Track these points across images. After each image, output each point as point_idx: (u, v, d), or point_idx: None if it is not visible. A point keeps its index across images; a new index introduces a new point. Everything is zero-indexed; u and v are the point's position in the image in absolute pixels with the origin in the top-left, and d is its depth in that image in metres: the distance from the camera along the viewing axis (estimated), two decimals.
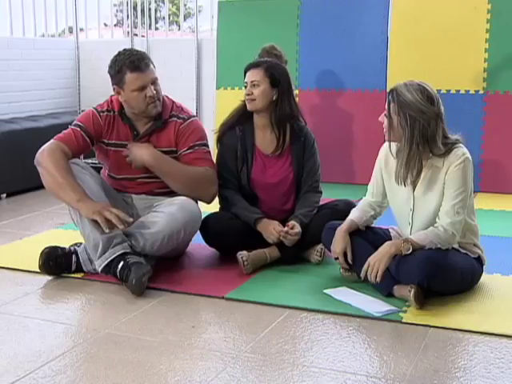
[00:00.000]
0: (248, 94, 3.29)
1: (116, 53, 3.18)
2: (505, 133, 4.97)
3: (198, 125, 3.28)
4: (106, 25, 8.43)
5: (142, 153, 3.13)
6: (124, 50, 3.20)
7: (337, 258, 2.95)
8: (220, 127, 3.43)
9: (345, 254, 2.91)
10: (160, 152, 3.16)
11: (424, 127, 2.70)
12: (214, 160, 3.35)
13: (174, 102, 3.30)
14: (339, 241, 2.92)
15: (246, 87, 3.31)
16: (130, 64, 3.08)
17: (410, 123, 2.70)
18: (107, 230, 2.90)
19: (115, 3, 9.34)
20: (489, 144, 4.99)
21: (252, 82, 3.28)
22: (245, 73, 3.34)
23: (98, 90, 6.10)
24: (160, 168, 3.15)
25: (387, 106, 2.78)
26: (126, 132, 3.22)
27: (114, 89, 3.17)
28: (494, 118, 4.97)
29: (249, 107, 3.31)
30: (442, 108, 2.75)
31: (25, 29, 6.32)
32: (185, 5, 10.29)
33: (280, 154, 3.36)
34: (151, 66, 3.15)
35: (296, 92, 5.32)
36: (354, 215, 3.00)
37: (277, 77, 3.28)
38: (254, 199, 3.34)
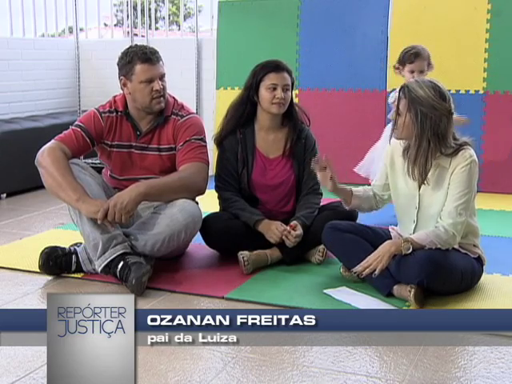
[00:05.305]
0: (281, 98, 3.23)
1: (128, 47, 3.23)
2: (505, 133, 4.97)
3: (196, 121, 3.26)
4: (106, 25, 8.42)
5: (127, 195, 2.94)
6: (136, 44, 3.25)
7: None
8: (219, 130, 3.40)
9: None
10: (142, 181, 3.07)
11: (436, 123, 2.69)
12: (214, 160, 3.33)
13: (175, 100, 3.30)
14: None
15: (273, 89, 3.23)
16: (142, 55, 3.10)
17: (421, 119, 2.69)
18: (111, 229, 2.92)
19: (115, 3, 9.33)
20: (489, 144, 4.98)
21: (285, 85, 3.25)
22: (268, 72, 3.25)
23: (98, 89, 6.10)
24: (152, 195, 3.04)
25: (397, 102, 2.76)
26: (128, 132, 3.22)
27: (120, 80, 3.18)
28: (494, 118, 4.97)
29: (277, 110, 3.26)
30: (453, 106, 2.74)
31: (25, 29, 6.30)
32: (185, 5, 10.28)
33: (280, 155, 3.36)
34: (161, 62, 3.18)
35: (296, 92, 5.32)
36: (355, 189, 3.01)
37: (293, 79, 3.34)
38: (254, 201, 3.34)
